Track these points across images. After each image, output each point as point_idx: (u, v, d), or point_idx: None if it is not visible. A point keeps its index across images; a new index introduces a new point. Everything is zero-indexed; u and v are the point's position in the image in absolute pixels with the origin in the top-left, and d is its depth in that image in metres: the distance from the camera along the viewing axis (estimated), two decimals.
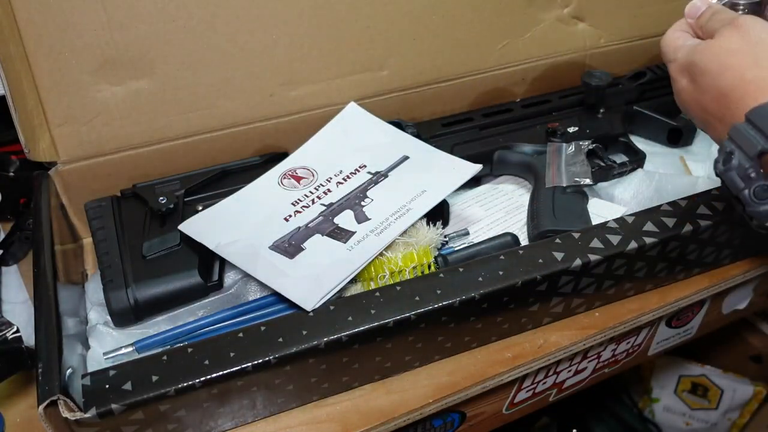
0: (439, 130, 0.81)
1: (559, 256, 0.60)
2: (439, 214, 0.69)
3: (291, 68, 0.76)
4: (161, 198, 0.69)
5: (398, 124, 0.78)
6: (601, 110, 0.84)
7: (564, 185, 0.73)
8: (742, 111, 0.49)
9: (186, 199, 0.71)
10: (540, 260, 0.60)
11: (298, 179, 0.72)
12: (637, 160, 0.80)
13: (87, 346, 0.63)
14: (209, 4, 0.70)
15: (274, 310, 0.63)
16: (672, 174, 0.79)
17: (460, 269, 0.59)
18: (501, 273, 0.59)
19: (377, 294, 0.57)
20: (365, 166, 0.73)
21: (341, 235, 0.65)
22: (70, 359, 0.54)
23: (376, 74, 0.80)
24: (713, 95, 0.53)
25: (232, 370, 0.53)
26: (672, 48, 0.60)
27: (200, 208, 0.69)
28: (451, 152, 0.76)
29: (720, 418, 1.32)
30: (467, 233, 0.73)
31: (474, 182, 0.81)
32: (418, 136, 0.78)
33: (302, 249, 0.63)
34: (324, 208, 0.68)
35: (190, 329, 0.62)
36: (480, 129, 0.82)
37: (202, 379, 0.52)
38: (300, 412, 0.61)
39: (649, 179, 0.78)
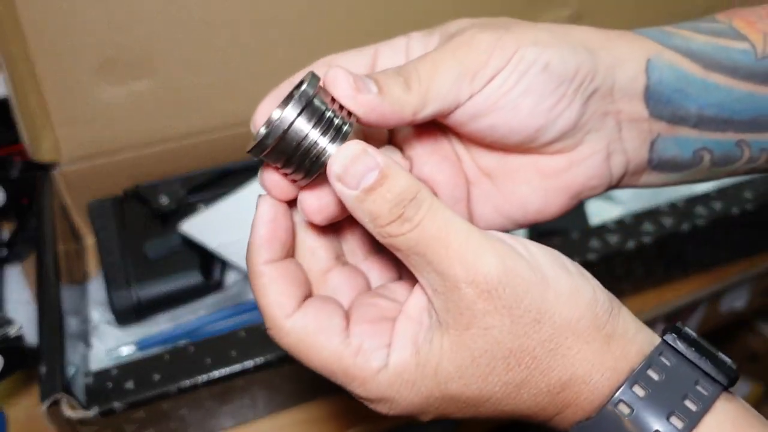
0: None
1: None
2: None
3: (291, 68, 0.76)
4: (163, 198, 0.70)
5: None
6: None
7: None
8: None
9: (187, 199, 0.71)
10: None
11: None
12: None
13: (89, 345, 0.63)
14: (210, 4, 0.70)
15: None
16: None
17: None
18: None
19: None
20: None
21: None
22: (72, 358, 0.55)
23: None
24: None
25: (233, 369, 0.53)
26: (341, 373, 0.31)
27: (202, 208, 0.70)
28: None
29: None
30: None
31: None
32: None
33: None
34: None
35: (191, 328, 0.63)
36: None
37: (204, 378, 0.53)
38: (301, 411, 0.61)
39: None
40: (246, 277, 0.67)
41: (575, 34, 0.34)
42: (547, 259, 0.29)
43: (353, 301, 0.33)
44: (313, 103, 0.29)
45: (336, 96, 0.29)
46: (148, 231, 0.67)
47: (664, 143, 0.36)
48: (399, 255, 0.29)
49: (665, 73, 0.35)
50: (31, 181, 0.71)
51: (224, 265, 0.68)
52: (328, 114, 0.29)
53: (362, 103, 0.29)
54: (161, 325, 0.65)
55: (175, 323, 0.64)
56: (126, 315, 0.63)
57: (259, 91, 0.80)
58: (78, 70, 0.68)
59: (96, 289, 0.69)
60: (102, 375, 0.53)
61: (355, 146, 0.28)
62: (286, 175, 0.30)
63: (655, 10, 0.89)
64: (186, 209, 0.70)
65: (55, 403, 0.49)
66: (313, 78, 0.29)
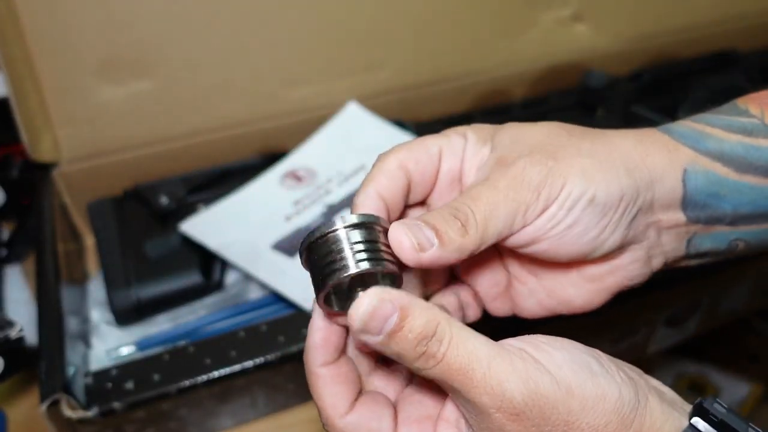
0: (439, 131, 0.81)
1: None
2: None
3: (291, 68, 0.76)
4: (163, 198, 0.70)
5: (398, 124, 0.79)
6: (600, 111, 0.85)
7: None
8: None
9: (187, 199, 0.71)
10: None
11: (299, 179, 0.72)
12: None
13: (89, 345, 0.63)
14: (210, 4, 0.70)
15: (275, 310, 0.64)
16: None
17: None
18: None
19: None
20: (365, 166, 0.73)
21: None
22: (72, 358, 0.55)
23: (376, 74, 0.80)
24: None
25: (233, 369, 0.53)
26: None
27: (202, 207, 0.70)
28: None
29: None
30: None
31: None
32: (418, 136, 0.78)
33: None
34: (325, 208, 0.68)
35: (191, 328, 0.63)
36: None
37: (204, 378, 0.53)
38: (301, 411, 0.61)
39: None
40: (246, 277, 0.67)
41: (616, 155, 0.35)
42: (572, 366, 0.30)
43: (399, 396, 0.36)
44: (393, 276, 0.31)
45: (403, 260, 0.31)
46: (148, 231, 0.67)
47: (701, 239, 0.38)
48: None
49: (700, 180, 0.36)
50: (31, 181, 0.71)
51: (224, 265, 0.68)
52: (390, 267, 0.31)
53: (426, 260, 0.31)
54: (161, 325, 0.65)
55: (175, 323, 0.64)
56: (126, 315, 0.63)
57: (259, 91, 0.80)
58: (78, 70, 0.68)
59: (96, 289, 0.69)
60: (102, 375, 0.53)
61: (369, 300, 0.29)
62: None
63: (655, 10, 0.90)
64: (186, 209, 0.70)
65: (55, 404, 0.49)
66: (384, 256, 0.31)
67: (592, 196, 0.34)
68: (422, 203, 0.38)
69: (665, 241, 0.38)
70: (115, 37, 0.68)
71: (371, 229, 0.31)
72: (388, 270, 0.31)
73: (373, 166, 0.36)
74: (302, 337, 0.55)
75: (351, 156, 0.74)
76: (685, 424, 0.30)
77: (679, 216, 0.37)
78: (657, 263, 0.39)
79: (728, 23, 0.92)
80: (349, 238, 0.30)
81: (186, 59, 0.71)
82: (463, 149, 0.37)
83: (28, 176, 0.72)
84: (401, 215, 0.36)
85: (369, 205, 0.34)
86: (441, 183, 0.37)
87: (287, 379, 0.57)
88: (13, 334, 0.54)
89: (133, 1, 0.67)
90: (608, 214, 0.35)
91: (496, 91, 0.88)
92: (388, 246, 0.31)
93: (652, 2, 0.89)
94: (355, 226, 0.30)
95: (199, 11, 0.70)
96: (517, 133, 0.36)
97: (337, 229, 0.30)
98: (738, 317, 0.92)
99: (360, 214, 0.31)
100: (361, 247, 0.30)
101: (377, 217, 0.32)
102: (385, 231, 0.31)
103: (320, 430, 0.60)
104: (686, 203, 0.37)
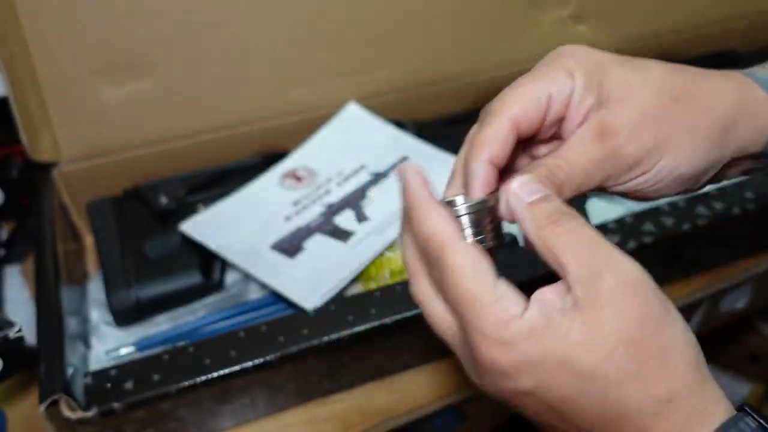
0: (439, 130, 0.81)
1: None
2: None
3: (291, 68, 0.76)
4: (163, 198, 0.70)
5: (398, 124, 0.79)
6: None
7: None
8: None
9: (187, 199, 0.71)
10: (540, 259, 0.60)
11: (299, 179, 0.72)
12: None
13: (89, 345, 0.63)
14: (210, 5, 0.70)
15: (275, 310, 0.64)
16: None
17: None
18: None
19: (377, 294, 0.58)
20: (365, 166, 0.73)
21: (342, 234, 0.65)
22: (71, 358, 0.55)
23: (376, 74, 0.80)
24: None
25: (233, 369, 0.53)
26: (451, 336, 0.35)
27: (201, 208, 0.70)
28: (452, 153, 0.77)
29: None
30: None
31: None
32: (418, 136, 0.78)
33: (303, 249, 0.64)
34: (324, 208, 0.68)
35: (191, 328, 0.63)
36: None
37: (203, 378, 0.53)
38: (301, 411, 0.61)
39: None
40: (246, 277, 0.67)
41: (713, 127, 0.37)
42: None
43: None
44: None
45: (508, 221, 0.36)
46: (148, 231, 0.67)
47: None
48: (553, 259, 0.34)
49: None
50: (31, 181, 0.71)
51: (224, 265, 0.68)
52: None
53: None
54: (161, 325, 0.65)
55: (175, 323, 0.64)
56: (125, 315, 0.63)
57: (259, 91, 0.80)
58: (77, 70, 0.68)
59: (96, 289, 0.69)
60: (101, 375, 0.53)
61: (525, 179, 0.35)
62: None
63: (655, 10, 0.89)
64: (186, 209, 0.70)
65: (54, 404, 0.49)
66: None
67: (681, 173, 0.37)
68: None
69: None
70: (115, 37, 0.68)
71: (481, 211, 0.36)
72: (490, 246, 0.36)
73: (484, 124, 0.37)
74: (302, 337, 0.55)
75: (351, 156, 0.74)
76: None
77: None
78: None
79: (728, 23, 0.92)
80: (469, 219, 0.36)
81: (186, 59, 0.71)
82: (570, 95, 0.37)
83: (28, 176, 0.72)
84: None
85: (482, 176, 0.37)
86: (543, 126, 0.38)
87: (287, 379, 0.57)
88: (12, 334, 0.54)
89: (134, 1, 0.67)
90: (692, 180, 0.38)
91: (496, 91, 0.87)
92: (493, 220, 0.36)
93: (652, 2, 0.89)
94: (469, 211, 0.36)
95: (200, 11, 0.70)
96: (624, 90, 0.37)
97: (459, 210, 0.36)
98: (738, 317, 0.92)
99: (477, 201, 0.36)
100: (475, 228, 0.36)
101: (486, 200, 0.36)
102: (492, 207, 0.36)
103: (320, 430, 0.60)
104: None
